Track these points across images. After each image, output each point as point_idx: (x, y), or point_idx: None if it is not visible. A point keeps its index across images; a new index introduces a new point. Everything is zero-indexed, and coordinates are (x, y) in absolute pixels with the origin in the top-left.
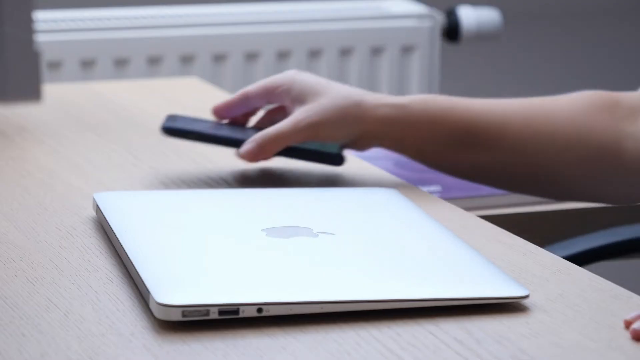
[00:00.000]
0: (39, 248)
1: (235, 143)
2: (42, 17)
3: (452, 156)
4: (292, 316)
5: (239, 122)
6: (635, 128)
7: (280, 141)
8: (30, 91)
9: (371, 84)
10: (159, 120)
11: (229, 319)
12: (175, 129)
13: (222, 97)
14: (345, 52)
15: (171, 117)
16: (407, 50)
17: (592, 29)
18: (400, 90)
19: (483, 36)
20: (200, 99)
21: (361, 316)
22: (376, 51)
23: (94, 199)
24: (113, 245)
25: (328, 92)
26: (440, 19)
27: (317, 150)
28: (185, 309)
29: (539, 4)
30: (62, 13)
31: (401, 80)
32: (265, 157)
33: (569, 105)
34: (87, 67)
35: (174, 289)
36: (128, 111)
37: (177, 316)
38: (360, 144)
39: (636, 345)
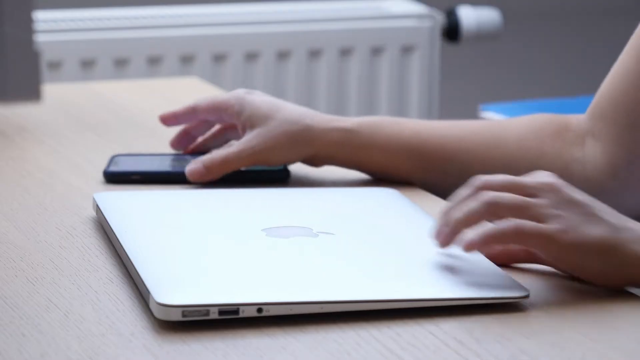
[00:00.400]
0: (39, 248)
1: (183, 177)
2: (42, 17)
3: (405, 176)
4: (292, 316)
5: (186, 151)
6: (582, 153)
7: (226, 165)
8: (30, 91)
9: (371, 84)
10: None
11: (229, 319)
12: (117, 173)
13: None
14: (345, 52)
15: (114, 160)
16: (407, 50)
17: (592, 29)
18: (401, 90)
19: (483, 36)
20: None
21: (361, 316)
22: (376, 51)
23: (94, 199)
24: (113, 245)
25: (277, 116)
26: (440, 19)
27: (261, 170)
28: (185, 309)
29: (539, 4)
30: (62, 13)
31: (401, 80)
32: (211, 179)
33: (519, 129)
34: (87, 67)
35: (174, 289)
36: (128, 111)
37: (177, 316)
38: (313, 163)
39: (636, 345)
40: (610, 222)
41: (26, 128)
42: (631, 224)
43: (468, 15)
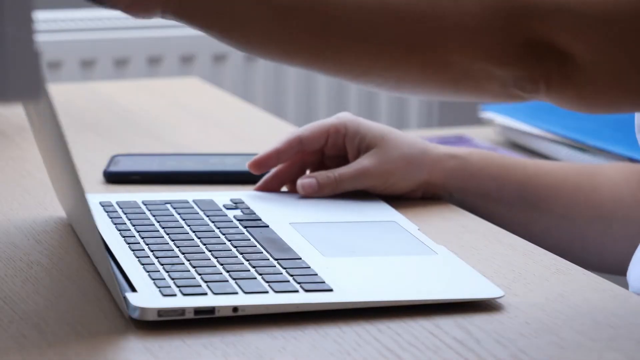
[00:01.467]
0: (39, 248)
1: (186, 177)
2: (42, 17)
3: (506, 214)
4: (292, 316)
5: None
6: None
7: (340, 185)
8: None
9: None
10: (159, 121)
11: (229, 319)
12: (117, 173)
13: (222, 97)
14: None
15: (114, 160)
16: None
17: None
18: None
19: None
20: (200, 99)
21: (361, 316)
22: None
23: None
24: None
25: (392, 137)
26: None
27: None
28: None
29: None
30: (62, 13)
31: None
32: (321, 195)
33: (611, 174)
34: (87, 67)
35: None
36: (128, 111)
37: (153, 316)
38: (420, 192)
39: (636, 345)
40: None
41: (26, 128)
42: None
43: None
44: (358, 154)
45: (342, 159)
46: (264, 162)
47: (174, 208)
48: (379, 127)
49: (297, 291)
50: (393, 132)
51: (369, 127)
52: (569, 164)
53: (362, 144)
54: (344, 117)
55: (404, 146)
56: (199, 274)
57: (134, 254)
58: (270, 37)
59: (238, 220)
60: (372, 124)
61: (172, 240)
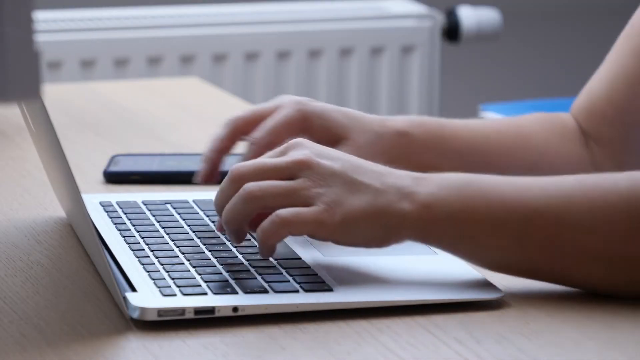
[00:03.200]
0: (39, 248)
1: (186, 177)
2: (42, 17)
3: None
4: (292, 316)
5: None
6: (590, 155)
7: None
8: (30, 91)
9: (371, 84)
10: (159, 121)
11: (229, 319)
12: (117, 173)
13: (222, 97)
14: (345, 52)
15: (114, 160)
16: (407, 50)
17: (592, 29)
18: (401, 90)
19: (483, 36)
20: (200, 99)
21: (361, 316)
22: (376, 51)
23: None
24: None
25: (358, 128)
26: (440, 19)
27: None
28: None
29: (539, 4)
30: (62, 13)
31: (401, 80)
32: None
33: (538, 130)
34: (87, 67)
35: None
36: (128, 111)
37: (152, 315)
38: None
39: (636, 345)
40: (373, 185)
41: (26, 128)
42: (393, 178)
43: (468, 15)
44: (325, 144)
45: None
46: (216, 172)
47: (174, 208)
48: (342, 114)
49: (297, 291)
50: (355, 117)
51: (332, 117)
52: (493, 123)
53: (328, 136)
54: (305, 109)
55: (366, 131)
56: (199, 274)
57: (134, 253)
58: (509, 260)
59: None
60: (334, 112)
61: (172, 240)
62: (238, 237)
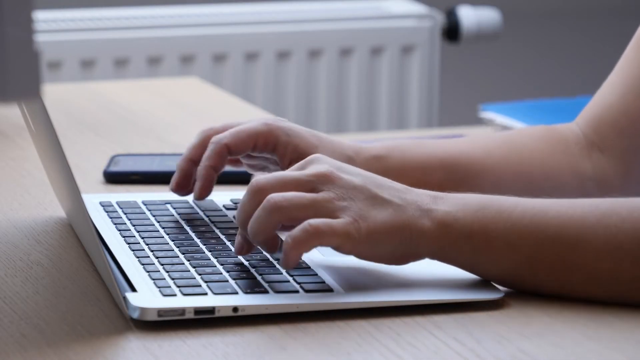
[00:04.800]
0: (39, 248)
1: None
2: (42, 17)
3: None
4: (292, 316)
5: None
6: (592, 167)
7: None
8: (30, 91)
9: (371, 84)
10: (159, 121)
11: (229, 319)
12: (117, 173)
13: (222, 97)
14: (345, 52)
15: (114, 160)
16: (407, 50)
17: (592, 29)
18: (401, 90)
19: (483, 36)
20: (200, 99)
21: (361, 316)
22: (376, 51)
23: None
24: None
25: (327, 147)
26: (440, 19)
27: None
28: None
29: (539, 4)
30: (62, 13)
31: (401, 80)
32: None
33: (533, 143)
34: (87, 67)
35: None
36: (128, 111)
37: (152, 316)
38: None
39: (636, 345)
40: (395, 202)
41: (26, 128)
42: (413, 195)
43: (468, 15)
44: (290, 163)
45: (266, 165)
46: (189, 181)
47: (174, 208)
48: (310, 134)
49: (297, 291)
50: (326, 139)
51: (301, 135)
52: (490, 139)
53: (294, 154)
54: (273, 124)
55: (336, 154)
56: (199, 274)
57: (134, 254)
58: (519, 279)
59: None
60: (302, 131)
61: (172, 240)
62: (270, 247)
